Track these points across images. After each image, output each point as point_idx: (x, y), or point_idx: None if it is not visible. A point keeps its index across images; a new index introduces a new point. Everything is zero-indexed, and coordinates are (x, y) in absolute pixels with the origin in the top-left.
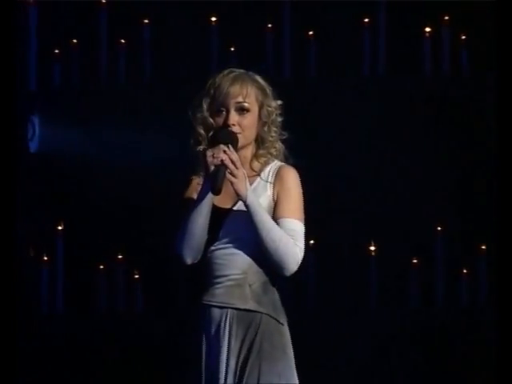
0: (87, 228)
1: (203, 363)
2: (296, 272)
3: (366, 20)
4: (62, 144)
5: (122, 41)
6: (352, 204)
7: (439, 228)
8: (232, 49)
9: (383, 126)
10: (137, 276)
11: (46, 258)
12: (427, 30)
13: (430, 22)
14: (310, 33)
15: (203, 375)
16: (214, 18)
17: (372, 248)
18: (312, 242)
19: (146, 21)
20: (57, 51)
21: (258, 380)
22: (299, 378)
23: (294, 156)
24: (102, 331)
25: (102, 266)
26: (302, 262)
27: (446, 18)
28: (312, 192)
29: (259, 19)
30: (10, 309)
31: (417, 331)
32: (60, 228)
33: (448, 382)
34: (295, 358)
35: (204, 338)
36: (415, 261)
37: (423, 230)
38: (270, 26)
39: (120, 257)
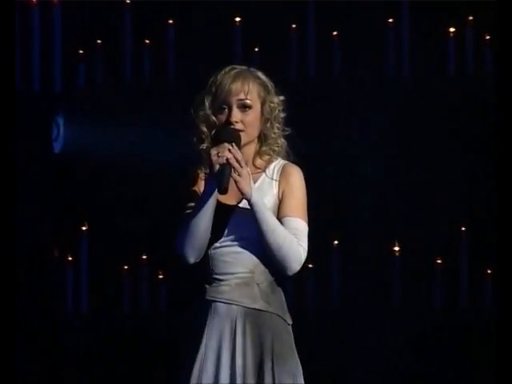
0: (111, 228)
1: (203, 359)
2: (320, 272)
3: (390, 20)
4: (86, 144)
5: (147, 41)
6: (376, 204)
7: (463, 228)
8: (256, 49)
9: (408, 126)
10: (161, 276)
11: (70, 259)
12: (451, 30)
13: (454, 22)
14: (335, 33)
15: (203, 371)
16: (238, 18)
17: (396, 248)
18: (336, 242)
19: (171, 21)
20: (81, 51)
21: (273, 380)
22: (324, 378)
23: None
24: (126, 331)
25: (126, 267)
26: (326, 262)
27: (470, 18)
28: (336, 192)
29: (283, 19)
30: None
31: (440, 331)
32: (84, 228)
33: (472, 382)
34: (320, 357)
35: (206, 334)
36: (439, 261)
37: (447, 231)
38: (294, 26)
39: (144, 257)
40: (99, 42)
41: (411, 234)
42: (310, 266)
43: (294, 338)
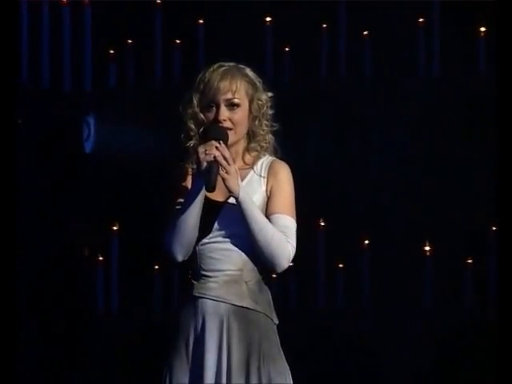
0: (142, 228)
1: (189, 355)
2: (350, 272)
3: (421, 20)
4: (117, 144)
5: (177, 41)
6: (407, 204)
7: (494, 228)
8: (287, 49)
9: (438, 126)
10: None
11: (101, 258)
12: (482, 29)
13: (485, 21)
14: (365, 33)
15: (188, 368)
16: (268, 18)
17: (427, 248)
18: (367, 242)
19: (201, 21)
20: (112, 51)
21: (260, 380)
22: (358, 378)
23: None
24: (157, 330)
25: (156, 266)
26: (356, 262)
27: None
28: (367, 192)
29: (314, 19)
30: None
31: (472, 330)
32: (115, 228)
33: (504, 381)
34: (351, 358)
35: (192, 330)
36: (470, 260)
37: (478, 230)
38: (325, 26)
39: None
40: (130, 41)
41: (442, 233)
42: (341, 265)
43: (324, 338)
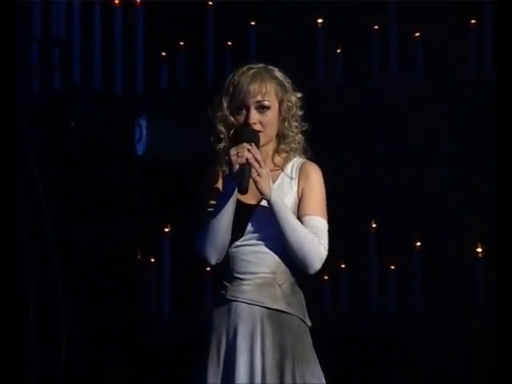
0: (194, 229)
1: (222, 358)
2: (403, 274)
3: (473, 21)
4: (168, 146)
5: (229, 42)
6: (458, 205)
7: None
8: (338, 50)
9: (489, 126)
10: None
11: (152, 260)
12: None
13: None
14: (417, 34)
15: (221, 371)
16: (320, 20)
17: (479, 250)
18: (419, 243)
19: (253, 22)
20: (164, 53)
21: (294, 382)
22: (413, 378)
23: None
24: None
25: (208, 268)
26: (408, 264)
27: None
28: (419, 194)
29: (365, 20)
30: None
31: None
32: (167, 230)
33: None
34: (402, 358)
35: (225, 333)
36: None
37: None
38: (376, 27)
39: None
40: (181, 43)
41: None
42: (393, 267)
43: (381, 336)
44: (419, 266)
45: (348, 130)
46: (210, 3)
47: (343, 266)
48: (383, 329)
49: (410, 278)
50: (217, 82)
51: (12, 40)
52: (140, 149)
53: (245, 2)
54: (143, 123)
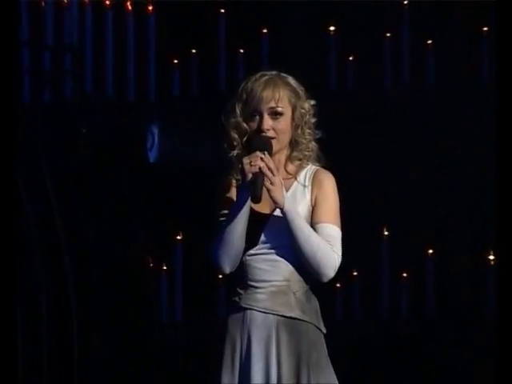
0: (206, 237)
1: (236, 367)
2: (415, 282)
3: (485, 29)
4: (180, 153)
5: (241, 50)
6: (471, 213)
7: None
8: (350, 58)
9: (503, 132)
10: None
11: (165, 268)
12: None
13: None
14: (429, 41)
15: (235, 380)
16: (332, 28)
17: (491, 257)
18: (431, 251)
19: (265, 30)
20: (176, 61)
21: None
22: None
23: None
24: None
25: (220, 276)
26: (420, 271)
27: None
28: (431, 201)
29: (378, 28)
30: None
31: None
32: (179, 237)
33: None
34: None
35: (239, 341)
36: None
37: None
38: (388, 34)
39: None
40: (193, 51)
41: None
42: (405, 275)
43: (393, 344)
44: (431, 274)
45: (360, 137)
46: (222, 10)
47: (355, 273)
48: (395, 336)
49: (422, 286)
50: (229, 89)
51: (16, 46)
52: (152, 156)
53: (257, 10)
54: (155, 130)
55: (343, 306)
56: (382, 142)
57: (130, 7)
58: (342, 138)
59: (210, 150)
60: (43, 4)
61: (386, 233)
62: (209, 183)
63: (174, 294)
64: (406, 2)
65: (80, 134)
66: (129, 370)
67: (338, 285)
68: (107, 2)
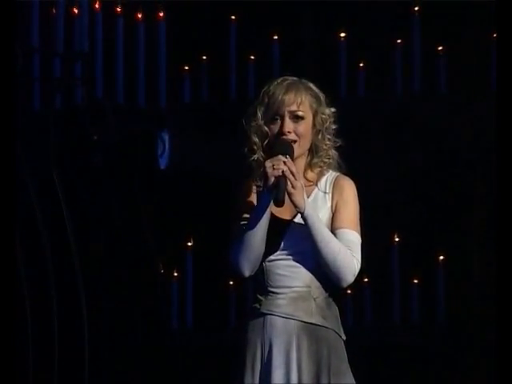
0: (217, 244)
1: (257, 371)
2: (426, 288)
3: (495, 35)
4: (191, 160)
5: (251, 56)
6: (482, 219)
7: None
8: (361, 64)
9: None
10: None
11: (175, 274)
12: None
13: None
14: (440, 48)
15: None
16: (342, 34)
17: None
18: (442, 257)
19: (275, 36)
20: (186, 67)
21: None
22: None
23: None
24: (232, 346)
25: (231, 282)
26: (431, 277)
27: None
28: (442, 207)
29: (388, 34)
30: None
31: None
32: (190, 244)
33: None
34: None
35: (260, 347)
36: None
37: None
38: (399, 41)
39: None
40: (204, 57)
41: None
42: (416, 281)
43: (404, 350)
44: (442, 280)
45: (371, 143)
46: (233, 17)
47: (366, 279)
48: (406, 343)
49: (433, 292)
50: (240, 95)
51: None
52: (163, 162)
53: (268, 16)
54: (166, 137)
55: (354, 312)
56: (392, 148)
57: (140, 14)
58: (353, 144)
59: (220, 156)
60: (54, 11)
61: (396, 239)
62: (220, 189)
63: (185, 301)
64: (416, 9)
65: (91, 141)
66: (140, 376)
67: (349, 291)
68: (118, 9)
